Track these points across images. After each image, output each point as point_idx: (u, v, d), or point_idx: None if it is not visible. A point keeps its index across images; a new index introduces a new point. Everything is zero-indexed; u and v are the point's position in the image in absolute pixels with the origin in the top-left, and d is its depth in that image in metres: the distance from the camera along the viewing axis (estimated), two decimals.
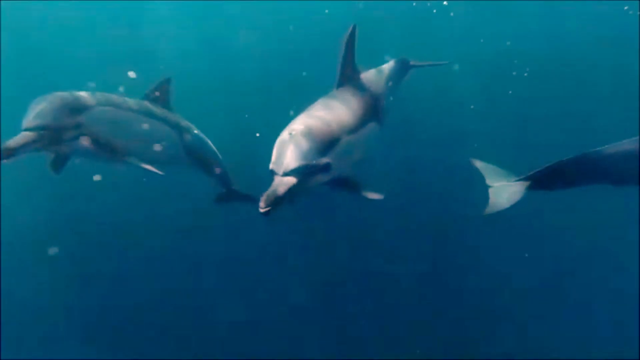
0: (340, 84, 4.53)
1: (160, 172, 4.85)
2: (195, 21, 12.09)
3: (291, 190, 3.35)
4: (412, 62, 6.46)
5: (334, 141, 3.83)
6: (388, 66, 5.85)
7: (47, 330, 7.02)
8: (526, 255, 7.54)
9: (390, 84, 5.55)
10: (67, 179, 5.19)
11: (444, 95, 9.71)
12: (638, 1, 9.65)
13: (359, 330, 6.87)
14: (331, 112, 4.12)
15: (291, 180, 3.38)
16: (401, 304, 7.07)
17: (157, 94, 5.65)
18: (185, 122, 6.04)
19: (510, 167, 4.13)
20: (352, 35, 4.25)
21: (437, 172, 8.24)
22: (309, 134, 3.64)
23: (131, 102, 5.30)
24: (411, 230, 7.61)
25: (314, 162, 3.55)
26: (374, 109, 4.68)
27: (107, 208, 8.18)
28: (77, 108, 4.54)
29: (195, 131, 6.19)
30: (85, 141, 4.58)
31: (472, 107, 9.24)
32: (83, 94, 4.78)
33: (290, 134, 3.61)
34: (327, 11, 11.38)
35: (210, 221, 7.70)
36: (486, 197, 3.81)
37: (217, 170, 6.36)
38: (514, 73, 9.90)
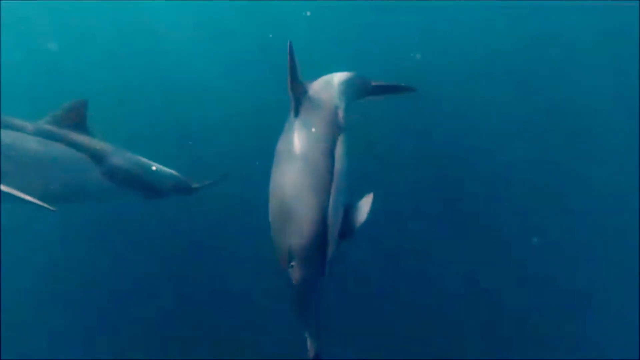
0: (297, 109, 3.91)
1: (51, 208, 3.94)
2: None
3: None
4: (374, 83, 5.18)
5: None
6: (341, 76, 4.82)
7: (47, 330, 7.02)
8: (524, 255, 7.56)
9: (343, 88, 4.60)
10: None
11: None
12: (638, 1, 9.66)
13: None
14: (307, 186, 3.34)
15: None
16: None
17: (66, 116, 4.62)
18: (105, 145, 4.98)
19: None
20: (291, 51, 3.90)
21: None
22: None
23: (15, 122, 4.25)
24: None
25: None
26: (335, 134, 3.90)
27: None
28: None
29: (120, 155, 5.10)
30: None
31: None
32: None
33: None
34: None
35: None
36: None
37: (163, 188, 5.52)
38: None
